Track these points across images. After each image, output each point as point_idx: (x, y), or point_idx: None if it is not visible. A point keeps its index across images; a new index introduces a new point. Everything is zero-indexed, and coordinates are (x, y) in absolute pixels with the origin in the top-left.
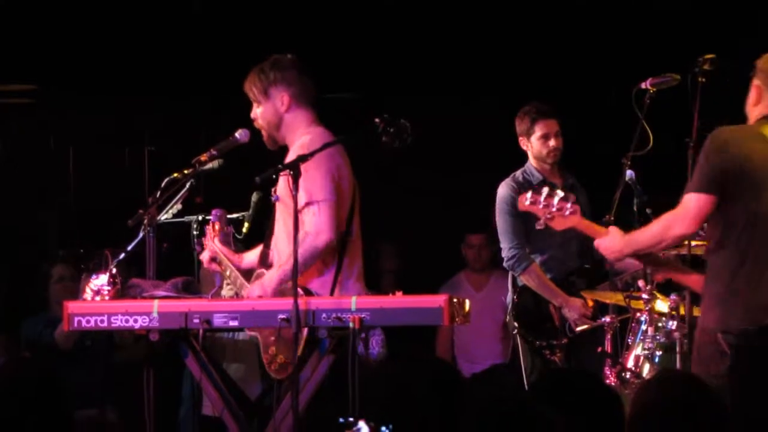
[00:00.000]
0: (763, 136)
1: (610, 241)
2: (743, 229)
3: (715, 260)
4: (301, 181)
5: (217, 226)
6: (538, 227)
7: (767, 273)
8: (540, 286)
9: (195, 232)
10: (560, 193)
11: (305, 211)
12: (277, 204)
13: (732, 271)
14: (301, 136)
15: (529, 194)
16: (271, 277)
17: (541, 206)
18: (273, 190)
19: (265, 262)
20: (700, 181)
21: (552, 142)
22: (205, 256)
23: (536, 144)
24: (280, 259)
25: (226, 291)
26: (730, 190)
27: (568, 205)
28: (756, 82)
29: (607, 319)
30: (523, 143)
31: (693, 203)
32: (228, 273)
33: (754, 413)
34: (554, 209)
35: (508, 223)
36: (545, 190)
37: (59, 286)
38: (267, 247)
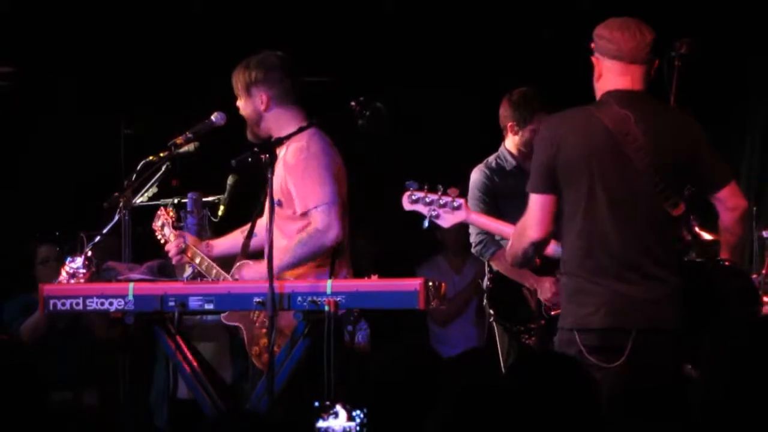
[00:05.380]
0: (596, 118)
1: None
2: (583, 221)
3: (563, 253)
4: (304, 184)
5: (171, 213)
6: (425, 227)
7: (615, 268)
8: (509, 271)
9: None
10: (441, 188)
11: (314, 212)
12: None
13: (577, 266)
14: (295, 133)
15: (410, 192)
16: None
17: (425, 204)
18: (266, 192)
19: (246, 252)
20: (536, 180)
21: None
22: (172, 250)
23: (528, 135)
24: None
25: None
26: (565, 183)
27: (451, 200)
28: (596, 54)
29: None
30: (511, 128)
31: (536, 205)
32: (198, 261)
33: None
34: (439, 206)
35: (478, 209)
36: (427, 186)
37: (43, 267)
38: (249, 237)
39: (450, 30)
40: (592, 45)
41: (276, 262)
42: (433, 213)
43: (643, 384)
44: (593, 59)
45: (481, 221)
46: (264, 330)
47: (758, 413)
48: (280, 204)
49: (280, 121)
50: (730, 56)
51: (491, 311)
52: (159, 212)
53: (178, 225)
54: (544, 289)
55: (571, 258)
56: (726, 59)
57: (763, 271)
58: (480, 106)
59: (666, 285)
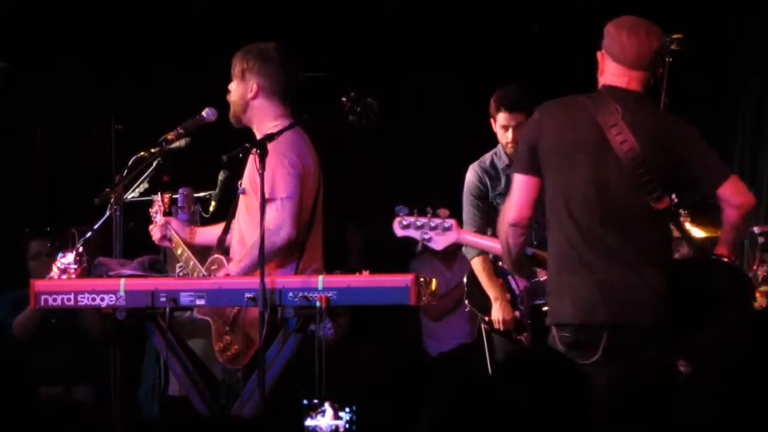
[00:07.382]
0: (586, 108)
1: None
2: (562, 211)
3: (549, 251)
4: (266, 175)
5: (165, 199)
6: (417, 251)
7: (591, 260)
8: (481, 277)
9: None
10: (430, 210)
11: (267, 207)
12: (242, 196)
13: (559, 259)
14: (272, 126)
15: (400, 218)
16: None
17: (416, 228)
18: (239, 183)
19: (221, 246)
20: (519, 161)
21: (509, 135)
22: (155, 234)
23: (498, 131)
24: (240, 251)
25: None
26: (546, 169)
27: (441, 221)
28: (602, 50)
29: None
30: (492, 124)
31: (516, 185)
32: (180, 252)
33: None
34: (430, 228)
35: (466, 211)
36: (416, 210)
37: (35, 262)
38: (225, 232)
39: (446, 26)
40: (603, 45)
41: (240, 266)
42: (425, 236)
43: (622, 381)
44: (599, 54)
45: (473, 240)
46: (227, 327)
47: (755, 410)
48: (243, 192)
49: (262, 113)
50: (720, 54)
51: (466, 301)
52: (156, 197)
53: (168, 212)
54: (498, 310)
55: (553, 252)
56: (716, 57)
57: (754, 267)
58: (478, 102)
59: (645, 280)
